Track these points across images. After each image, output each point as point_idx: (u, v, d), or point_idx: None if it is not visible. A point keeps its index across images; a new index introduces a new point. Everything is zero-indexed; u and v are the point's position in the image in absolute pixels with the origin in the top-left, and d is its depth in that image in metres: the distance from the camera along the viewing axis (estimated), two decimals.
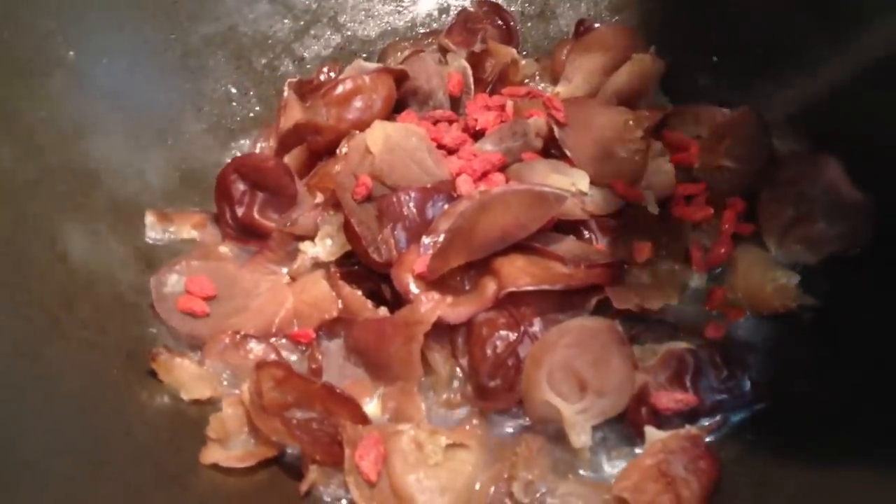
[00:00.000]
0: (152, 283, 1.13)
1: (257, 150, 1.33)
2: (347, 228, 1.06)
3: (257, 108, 1.38)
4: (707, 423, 1.01)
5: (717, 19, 1.33)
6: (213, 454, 0.99)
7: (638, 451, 1.00)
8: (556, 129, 1.14)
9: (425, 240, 1.02)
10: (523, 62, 1.36)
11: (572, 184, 1.10)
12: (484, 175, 1.12)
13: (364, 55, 1.45)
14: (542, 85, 1.34)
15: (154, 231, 1.20)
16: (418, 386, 1.02)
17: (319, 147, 1.21)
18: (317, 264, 1.13)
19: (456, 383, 1.04)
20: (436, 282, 1.02)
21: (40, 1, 1.20)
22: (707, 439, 1.01)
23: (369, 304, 1.05)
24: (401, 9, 1.48)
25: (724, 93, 1.30)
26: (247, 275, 1.16)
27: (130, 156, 1.25)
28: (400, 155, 1.10)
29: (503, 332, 1.00)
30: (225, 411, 1.01)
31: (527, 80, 1.35)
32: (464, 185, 1.09)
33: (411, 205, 1.06)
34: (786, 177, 1.15)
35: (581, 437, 0.96)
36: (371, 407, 1.03)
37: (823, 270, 1.12)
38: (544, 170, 1.11)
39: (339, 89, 1.20)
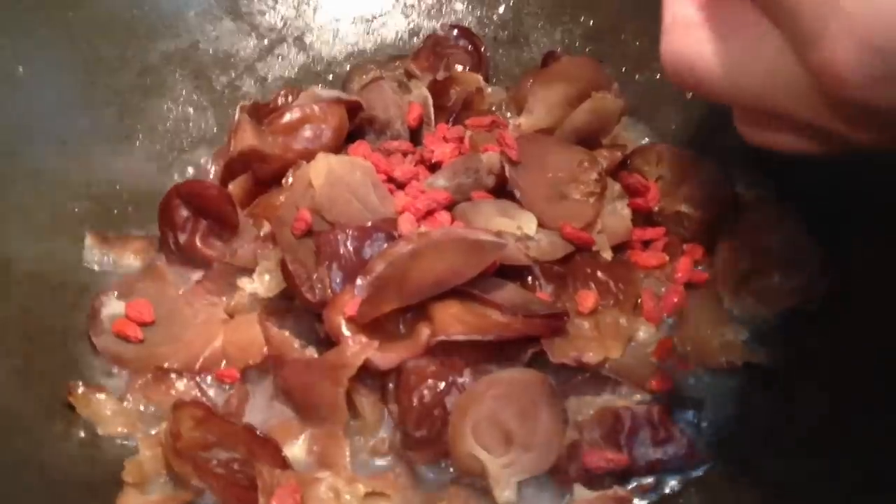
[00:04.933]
0: (93, 303, 1.16)
1: (211, 173, 1.34)
2: (282, 265, 1.08)
3: (214, 130, 1.39)
4: (638, 484, 1.02)
5: None
6: (130, 499, 1.00)
7: None
8: (507, 167, 1.14)
9: (359, 281, 1.03)
10: (489, 90, 1.36)
11: (518, 227, 1.10)
12: (429, 214, 1.13)
13: (330, 76, 1.47)
14: (508, 115, 1.34)
15: (93, 254, 1.22)
16: (345, 430, 1.04)
17: (265, 175, 1.22)
18: (256, 300, 1.14)
19: (385, 430, 1.05)
20: (369, 325, 1.03)
21: None
22: (642, 502, 1.02)
23: (296, 344, 1.06)
24: (369, 31, 1.49)
25: (694, 133, 1.30)
26: (188, 303, 1.17)
27: (78, 176, 1.27)
28: (342, 190, 1.11)
29: (431, 382, 1.01)
30: (142, 454, 1.02)
31: (494, 109, 1.35)
32: (405, 224, 1.10)
33: (348, 243, 1.06)
34: (745, 226, 1.16)
35: (505, 493, 0.97)
36: (296, 448, 1.05)
37: (777, 325, 1.13)
38: (490, 212, 1.12)
39: (287, 117, 1.21)
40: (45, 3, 1.28)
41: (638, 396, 1.06)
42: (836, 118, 0.63)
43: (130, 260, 1.23)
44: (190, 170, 1.36)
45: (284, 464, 1.00)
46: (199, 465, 0.98)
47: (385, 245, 1.07)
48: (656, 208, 1.21)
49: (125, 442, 1.07)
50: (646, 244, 1.20)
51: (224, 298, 1.18)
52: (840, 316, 1.08)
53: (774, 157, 1.17)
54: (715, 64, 0.70)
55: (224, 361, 1.11)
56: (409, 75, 1.40)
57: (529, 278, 1.11)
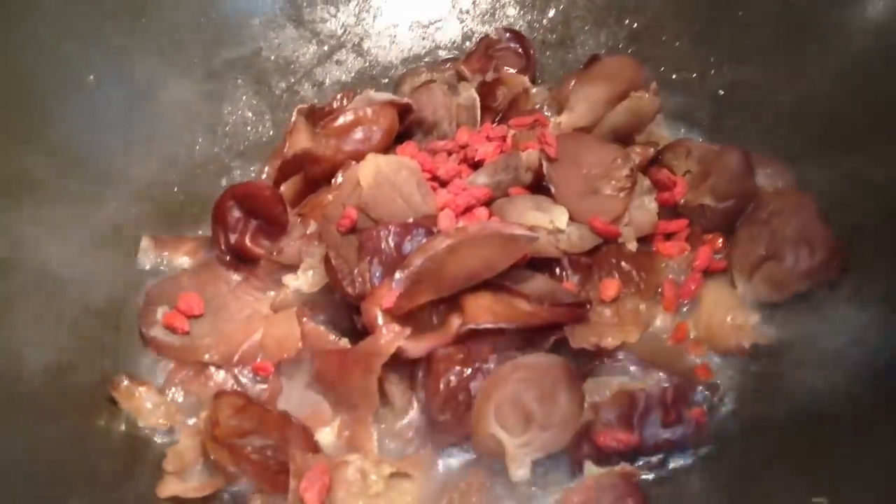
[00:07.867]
0: (148, 295, 1.25)
1: (265, 174, 1.44)
2: (326, 260, 1.16)
3: (271, 133, 1.49)
4: (645, 462, 1.08)
5: (729, 55, 1.40)
6: (170, 487, 1.09)
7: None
8: (544, 164, 1.21)
9: (397, 275, 1.10)
10: (534, 90, 1.43)
11: (550, 221, 1.17)
12: (468, 210, 1.20)
13: (385, 80, 1.56)
14: (548, 113, 1.40)
15: (147, 256, 1.32)
16: (374, 416, 1.12)
17: (316, 176, 1.31)
18: (299, 296, 1.22)
19: (412, 415, 1.13)
20: (404, 315, 1.10)
21: (63, 23, 1.31)
22: (648, 477, 1.08)
23: (331, 337, 1.15)
24: (425, 35, 1.58)
25: (724, 127, 1.37)
26: (236, 298, 1.26)
27: (139, 177, 1.36)
28: (387, 189, 1.19)
29: (458, 368, 1.08)
30: (182, 443, 1.11)
31: (537, 107, 1.41)
32: (444, 220, 1.17)
33: (390, 240, 1.14)
34: (762, 215, 1.22)
35: (519, 472, 1.04)
36: (326, 434, 1.14)
37: (787, 309, 1.18)
38: (525, 206, 1.19)
39: (340, 120, 1.31)
40: (121, 11, 1.37)
41: (653, 379, 1.12)
42: None
43: (182, 260, 1.32)
44: (250, 171, 1.45)
45: (316, 448, 1.09)
46: (235, 451, 1.06)
47: (424, 240, 1.14)
48: (682, 201, 1.26)
49: (163, 436, 1.16)
50: (668, 236, 1.26)
51: (271, 293, 1.26)
52: (849, 300, 1.13)
53: (797, 150, 1.23)
54: None
55: (260, 355, 1.19)
56: (460, 77, 1.48)
57: (558, 269, 1.18)
